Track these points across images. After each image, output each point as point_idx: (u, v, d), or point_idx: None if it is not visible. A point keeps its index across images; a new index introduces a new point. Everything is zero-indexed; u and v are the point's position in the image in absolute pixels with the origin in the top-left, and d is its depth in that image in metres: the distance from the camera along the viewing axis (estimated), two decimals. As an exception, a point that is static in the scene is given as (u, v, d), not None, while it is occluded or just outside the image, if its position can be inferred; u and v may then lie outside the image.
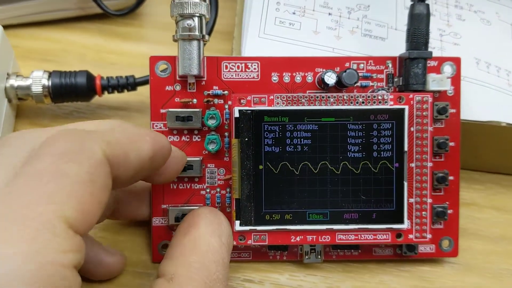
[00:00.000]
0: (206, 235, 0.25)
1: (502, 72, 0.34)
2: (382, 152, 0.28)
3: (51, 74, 0.33)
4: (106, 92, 0.34)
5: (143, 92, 0.35)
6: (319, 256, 0.30)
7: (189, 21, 0.28)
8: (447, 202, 0.31)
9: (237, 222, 0.28)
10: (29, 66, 0.34)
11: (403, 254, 0.31)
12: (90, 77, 0.34)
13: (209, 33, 0.34)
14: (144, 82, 0.34)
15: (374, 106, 0.28)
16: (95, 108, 0.36)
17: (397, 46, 0.33)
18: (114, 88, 0.34)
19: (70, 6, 0.39)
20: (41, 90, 0.33)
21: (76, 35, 0.40)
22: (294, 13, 0.33)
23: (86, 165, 0.19)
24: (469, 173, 0.36)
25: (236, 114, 0.28)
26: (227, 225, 0.27)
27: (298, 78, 0.30)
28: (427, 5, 0.29)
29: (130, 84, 0.34)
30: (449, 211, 0.31)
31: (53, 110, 0.36)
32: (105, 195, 0.20)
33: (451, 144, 0.30)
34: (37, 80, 0.33)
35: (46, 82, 0.33)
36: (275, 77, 0.30)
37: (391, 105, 0.28)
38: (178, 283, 0.23)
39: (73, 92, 0.33)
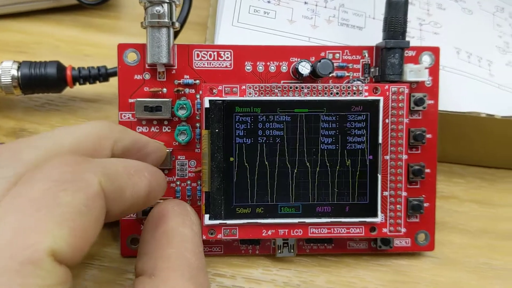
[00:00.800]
0: (178, 226, 0.25)
1: (483, 62, 0.34)
2: (356, 144, 0.28)
3: (20, 65, 0.32)
4: (77, 83, 0.33)
5: (116, 84, 0.34)
6: (292, 250, 0.30)
7: (158, 7, 0.27)
8: (423, 195, 0.30)
9: (207, 216, 0.27)
10: (2, 59, 0.33)
11: (378, 248, 0.30)
12: (60, 67, 0.32)
13: (183, 24, 0.33)
14: (116, 73, 0.33)
15: (349, 97, 0.28)
16: (68, 100, 0.35)
17: (374, 35, 0.32)
18: (85, 79, 0.33)
19: None
20: (10, 80, 0.32)
21: (50, 26, 0.38)
22: (269, 2, 0.32)
23: (82, 196, 0.18)
24: (450, 166, 0.36)
25: (207, 105, 0.27)
26: (195, 215, 0.26)
27: (272, 67, 0.29)
28: (405, -7, 0.28)
29: (101, 74, 0.33)
30: (425, 205, 0.30)
31: (25, 102, 0.35)
32: (97, 229, 0.19)
33: (428, 136, 0.30)
34: (6, 71, 0.32)
35: (15, 72, 0.32)
36: (248, 66, 0.29)
37: (366, 96, 0.28)
38: (160, 277, 0.22)
39: (43, 83, 0.32)
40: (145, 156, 0.25)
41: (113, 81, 0.33)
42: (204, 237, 0.27)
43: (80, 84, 0.33)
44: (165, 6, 0.27)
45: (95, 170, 0.19)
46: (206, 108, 0.27)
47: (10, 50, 0.37)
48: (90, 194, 0.19)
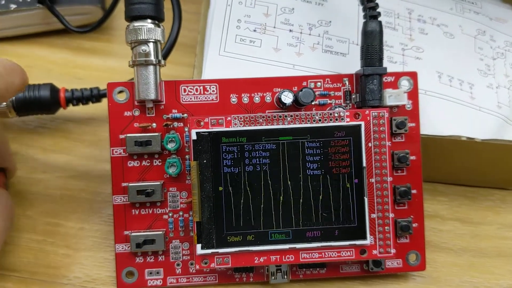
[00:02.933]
0: None
1: (465, 85, 0.34)
2: (341, 169, 0.28)
3: None
4: (70, 105, 0.34)
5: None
6: (285, 276, 0.30)
7: (144, 47, 0.28)
8: (412, 216, 0.31)
9: (199, 246, 0.28)
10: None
11: (370, 270, 0.31)
12: (54, 89, 0.34)
13: (172, 46, 0.33)
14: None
15: (331, 124, 0.28)
16: (61, 122, 0.36)
17: (358, 61, 0.33)
18: (78, 100, 0.34)
19: (36, 21, 0.39)
20: (5, 104, 0.33)
21: (43, 50, 0.40)
22: (255, 30, 0.33)
23: None
24: (433, 185, 0.36)
25: (194, 137, 0.28)
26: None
27: (257, 98, 0.30)
28: (380, 22, 0.30)
29: (94, 96, 0.34)
30: (414, 225, 0.31)
31: (18, 125, 0.36)
32: None
33: (412, 158, 0.31)
34: None
35: None
36: (234, 99, 0.30)
37: (347, 121, 0.29)
38: None
39: (37, 105, 0.33)
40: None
41: (106, 101, 0.34)
42: (197, 267, 0.28)
43: (73, 105, 0.34)
44: (151, 45, 0.28)
45: None
46: (193, 140, 0.28)
47: (4, 73, 0.38)
48: None
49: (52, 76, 0.38)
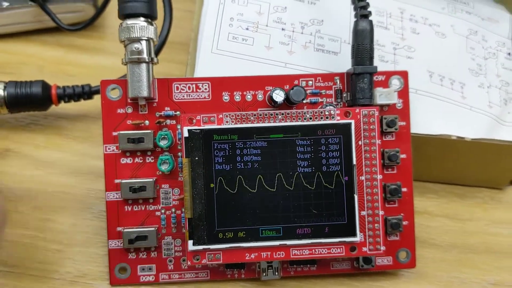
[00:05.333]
0: None
1: (456, 85, 0.35)
2: (331, 166, 0.29)
3: (6, 84, 0.34)
4: (62, 101, 0.34)
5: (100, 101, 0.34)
6: (276, 273, 0.30)
7: (137, 45, 0.28)
8: (402, 214, 0.31)
9: (190, 242, 0.28)
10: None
11: (360, 267, 0.31)
12: (45, 86, 0.34)
13: (163, 43, 0.34)
14: (100, 90, 0.34)
15: (321, 122, 0.29)
16: (53, 119, 0.37)
17: (349, 60, 0.33)
18: (70, 97, 0.34)
19: (29, 19, 0.39)
20: None
21: (34, 47, 0.40)
22: (247, 29, 0.33)
23: None
24: (422, 182, 0.37)
25: (186, 134, 0.28)
26: None
27: (249, 96, 0.30)
28: (370, 21, 0.30)
29: (86, 92, 0.34)
30: (404, 223, 0.31)
31: (10, 122, 0.36)
32: None
33: (402, 156, 0.31)
34: None
35: (1, 92, 0.33)
36: (226, 97, 0.30)
37: (338, 120, 0.29)
38: None
39: (29, 101, 0.34)
40: None
41: (97, 98, 0.34)
42: (189, 263, 0.28)
43: (65, 102, 0.35)
44: (144, 43, 0.28)
45: None
46: (185, 138, 0.28)
47: (-4, 70, 0.38)
48: None
49: (44, 73, 0.38)
